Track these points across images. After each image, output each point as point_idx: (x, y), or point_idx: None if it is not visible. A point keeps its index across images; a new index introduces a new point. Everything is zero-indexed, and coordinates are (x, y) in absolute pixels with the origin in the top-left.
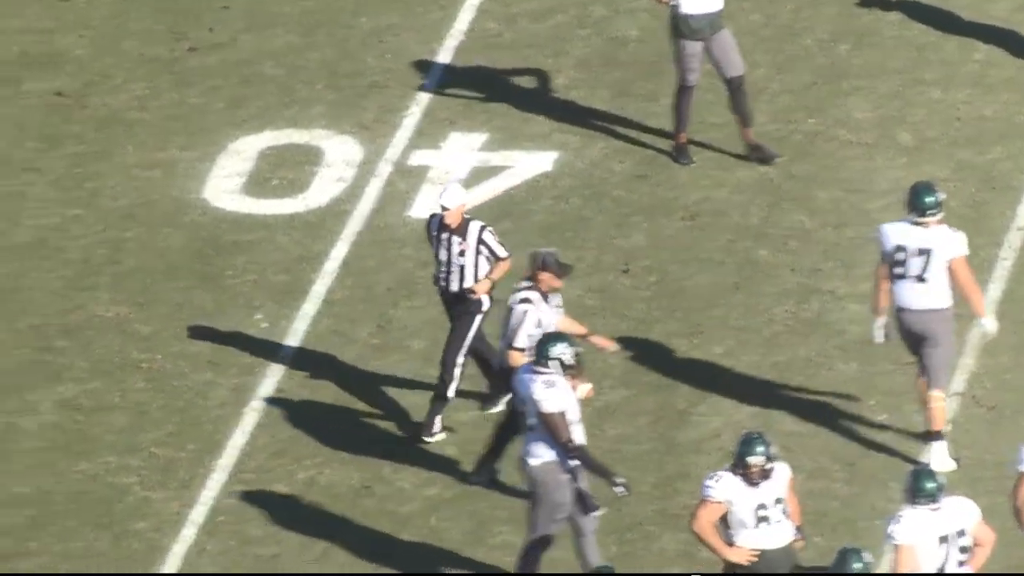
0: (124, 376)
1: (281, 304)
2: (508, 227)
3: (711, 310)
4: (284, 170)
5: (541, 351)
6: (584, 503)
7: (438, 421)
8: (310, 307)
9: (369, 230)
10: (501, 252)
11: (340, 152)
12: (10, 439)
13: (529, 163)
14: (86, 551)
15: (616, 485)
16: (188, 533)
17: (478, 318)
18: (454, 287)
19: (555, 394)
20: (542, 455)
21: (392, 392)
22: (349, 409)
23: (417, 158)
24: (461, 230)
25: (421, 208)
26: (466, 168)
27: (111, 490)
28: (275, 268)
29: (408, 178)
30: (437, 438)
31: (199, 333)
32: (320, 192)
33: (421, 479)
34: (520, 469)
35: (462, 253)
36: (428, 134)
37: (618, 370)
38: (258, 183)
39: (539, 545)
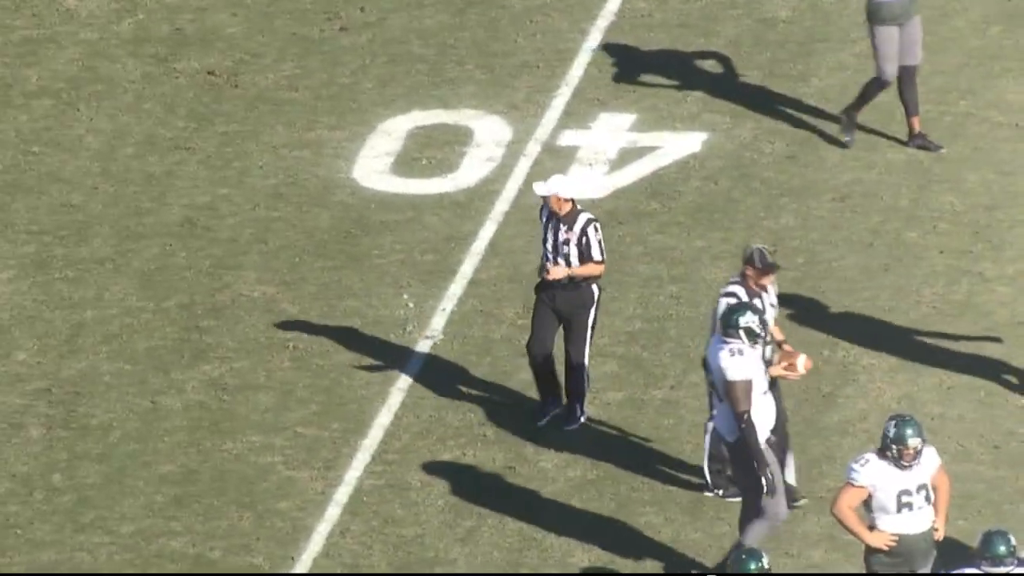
0: (270, 355)
1: (428, 284)
2: (656, 208)
3: (859, 292)
4: (433, 150)
5: (728, 321)
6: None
7: (580, 409)
8: (457, 287)
9: (517, 210)
10: (596, 254)
11: (489, 132)
12: (156, 418)
13: (678, 144)
14: (229, 530)
15: (763, 478)
16: (332, 513)
17: (592, 311)
18: (560, 274)
19: (740, 362)
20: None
21: None
22: (494, 389)
23: (566, 138)
24: (570, 218)
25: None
26: (615, 148)
27: (255, 469)
28: (422, 248)
29: (557, 158)
30: (581, 421)
31: (345, 313)
32: (469, 172)
33: (564, 460)
34: (714, 439)
35: (567, 242)
36: (577, 114)
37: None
38: (406, 163)
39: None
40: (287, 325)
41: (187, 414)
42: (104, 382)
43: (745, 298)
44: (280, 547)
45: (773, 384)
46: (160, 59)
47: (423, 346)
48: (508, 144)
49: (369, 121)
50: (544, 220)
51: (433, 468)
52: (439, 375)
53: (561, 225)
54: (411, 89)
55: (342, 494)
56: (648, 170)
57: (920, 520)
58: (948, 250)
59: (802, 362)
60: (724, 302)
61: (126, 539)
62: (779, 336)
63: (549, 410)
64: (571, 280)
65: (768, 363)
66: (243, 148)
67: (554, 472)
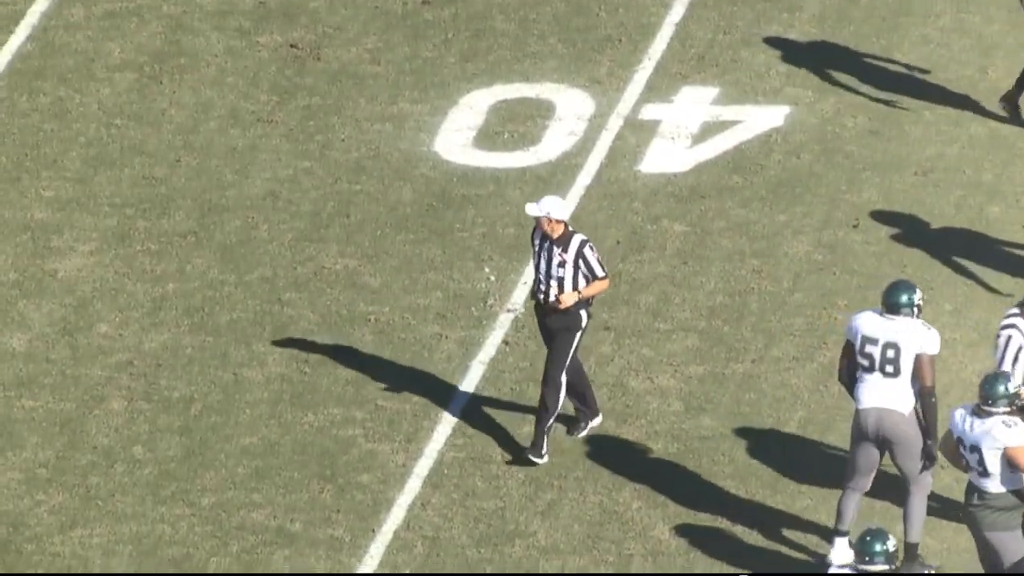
0: (352, 329)
1: (509, 258)
2: (738, 182)
3: (942, 266)
4: (515, 124)
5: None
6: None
7: (546, 441)
8: None
9: (599, 184)
10: (599, 271)
11: (571, 106)
12: (238, 391)
13: (760, 118)
14: (310, 503)
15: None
16: (413, 485)
17: (577, 335)
18: (551, 299)
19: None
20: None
21: (617, 345)
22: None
23: (648, 112)
24: (563, 241)
25: (651, 163)
26: (697, 123)
27: (336, 442)
28: (504, 222)
29: (639, 132)
30: (545, 459)
31: (427, 286)
32: (550, 146)
33: (645, 434)
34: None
35: (562, 264)
36: (659, 88)
37: (844, 325)
38: (489, 137)
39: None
40: (369, 298)
41: (268, 387)
42: (186, 355)
43: None
44: (361, 520)
45: None
46: (243, 32)
47: (504, 319)
48: (590, 118)
49: (451, 95)
50: (537, 243)
51: (514, 441)
52: (520, 348)
53: (555, 248)
54: (493, 63)
55: (423, 467)
56: (730, 144)
57: None
58: None
59: None
60: (1004, 335)
61: (207, 511)
62: None
63: (583, 425)
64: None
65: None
66: (325, 121)
67: (635, 445)
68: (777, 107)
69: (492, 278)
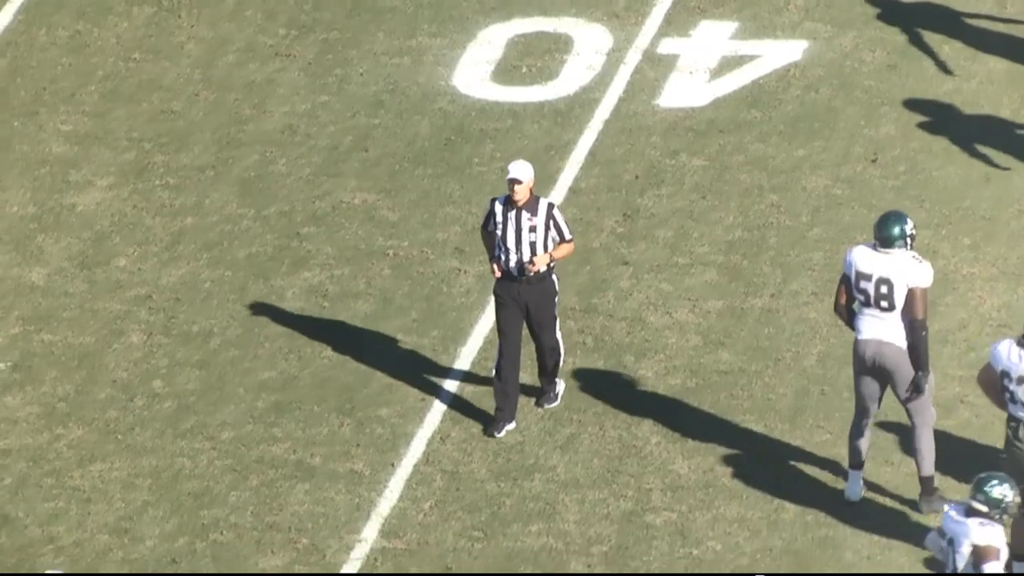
0: (370, 263)
1: None
2: (756, 117)
3: (960, 201)
4: (533, 58)
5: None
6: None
7: (560, 386)
8: (557, 195)
9: (617, 118)
10: (567, 234)
11: (589, 40)
12: (256, 325)
13: (779, 52)
14: (330, 437)
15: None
16: (432, 419)
17: (556, 299)
18: (524, 265)
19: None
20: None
21: (636, 280)
22: (593, 297)
23: (666, 46)
24: (530, 206)
25: (669, 97)
26: (715, 57)
27: (355, 376)
28: (523, 156)
29: (657, 66)
30: (556, 403)
31: (445, 220)
32: (569, 80)
33: (664, 368)
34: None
35: (532, 229)
36: (678, 23)
37: None
38: (507, 71)
39: None
40: (387, 233)
41: (287, 321)
42: (204, 289)
43: None
44: (380, 454)
45: None
46: None
47: None
48: (608, 52)
49: (470, 29)
50: (498, 217)
51: (534, 376)
52: None
53: (524, 213)
54: None
55: (442, 400)
56: (749, 79)
57: None
58: None
59: None
60: None
61: (226, 445)
62: None
63: (504, 425)
64: (536, 273)
65: None
66: (343, 55)
67: (654, 380)
68: (795, 42)
69: None
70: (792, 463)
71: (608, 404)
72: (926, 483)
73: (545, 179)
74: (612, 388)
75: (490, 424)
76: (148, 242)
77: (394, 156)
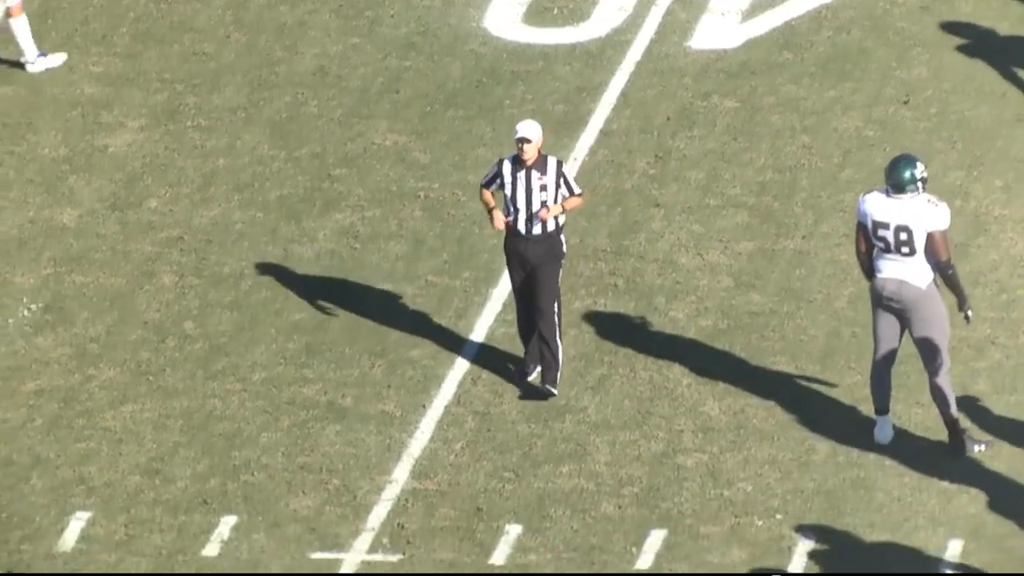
0: (401, 205)
1: (559, 134)
2: (788, 58)
3: (992, 142)
4: (564, 0)
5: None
6: None
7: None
8: (588, 137)
9: (649, 60)
10: (576, 189)
11: None
12: (288, 266)
13: None
14: (361, 378)
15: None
16: (463, 361)
17: (561, 261)
18: (536, 228)
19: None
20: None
21: (667, 222)
22: (625, 239)
23: None
24: (539, 165)
25: (701, 38)
26: None
27: (387, 318)
28: (554, 98)
29: (689, 8)
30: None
31: (477, 162)
32: (600, 22)
33: (695, 310)
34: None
35: (543, 188)
36: None
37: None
38: (538, 12)
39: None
40: (418, 175)
41: (318, 262)
42: (236, 230)
43: None
44: (411, 395)
45: None
46: None
47: None
48: None
49: None
50: (507, 177)
51: (564, 316)
52: (570, 225)
53: (533, 172)
54: None
55: (473, 342)
56: (780, 20)
57: None
58: None
59: None
60: None
61: (258, 386)
62: None
63: (534, 368)
64: (544, 230)
65: None
66: None
67: (685, 322)
68: None
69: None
70: (823, 404)
71: (639, 346)
72: (954, 425)
73: (576, 121)
74: (643, 330)
75: (519, 368)
76: (180, 183)
77: (425, 98)
